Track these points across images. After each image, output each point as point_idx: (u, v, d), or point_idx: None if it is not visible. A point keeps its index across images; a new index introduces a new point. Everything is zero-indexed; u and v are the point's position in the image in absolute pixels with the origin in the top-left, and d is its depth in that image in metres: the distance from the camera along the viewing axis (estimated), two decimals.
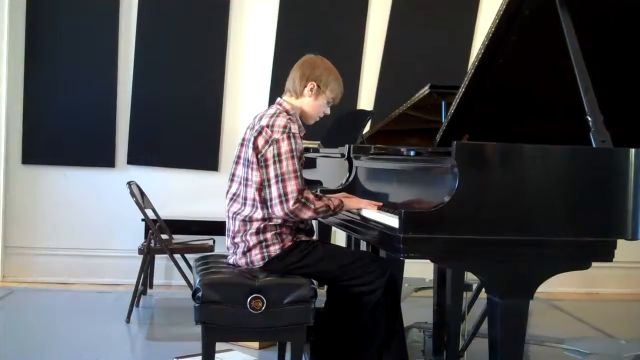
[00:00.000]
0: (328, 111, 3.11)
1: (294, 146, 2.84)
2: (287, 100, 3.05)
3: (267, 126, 2.88)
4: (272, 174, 2.82)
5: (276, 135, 2.84)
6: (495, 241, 2.28)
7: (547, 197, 2.33)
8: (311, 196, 2.83)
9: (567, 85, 2.56)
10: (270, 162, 2.83)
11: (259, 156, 2.86)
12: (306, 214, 2.81)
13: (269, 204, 2.84)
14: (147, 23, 5.59)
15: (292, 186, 2.79)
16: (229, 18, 5.68)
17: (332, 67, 3.07)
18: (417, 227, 2.27)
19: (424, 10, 5.76)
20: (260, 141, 2.87)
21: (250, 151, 2.91)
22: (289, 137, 2.84)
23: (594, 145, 2.42)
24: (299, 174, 2.82)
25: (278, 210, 2.80)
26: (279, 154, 2.82)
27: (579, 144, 2.41)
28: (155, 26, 5.61)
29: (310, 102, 3.03)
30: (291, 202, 2.78)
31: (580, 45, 2.54)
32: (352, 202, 2.94)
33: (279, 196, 2.79)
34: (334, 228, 4.31)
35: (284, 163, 2.81)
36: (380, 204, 2.86)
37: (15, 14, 5.44)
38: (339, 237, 5.10)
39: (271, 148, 2.83)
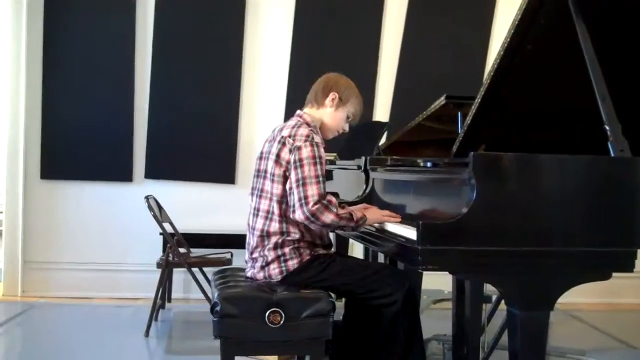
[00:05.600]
0: (347, 128, 3.13)
1: (316, 153, 2.83)
2: (307, 112, 3.07)
3: (290, 136, 2.88)
4: (293, 179, 2.81)
5: (298, 143, 2.84)
6: (514, 252, 2.27)
7: (566, 207, 2.31)
8: (335, 200, 2.82)
9: (584, 94, 2.55)
10: (292, 168, 2.82)
11: (283, 166, 2.86)
12: (328, 217, 2.76)
13: (290, 210, 2.83)
14: (163, 37, 5.62)
15: (312, 190, 2.77)
16: (244, 31, 5.70)
17: (354, 86, 3.11)
18: (435, 238, 2.26)
19: (439, 20, 5.76)
20: (285, 152, 2.87)
21: (271, 163, 2.91)
22: (311, 145, 2.84)
23: (613, 155, 2.40)
24: (321, 179, 2.81)
25: (299, 215, 2.78)
26: (300, 159, 2.82)
27: (597, 153, 2.39)
28: (171, 40, 5.64)
29: (331, 113, 3.04)
30: (311, 204, 2.75)
31: (597, 53, 2.53)
32: (374, 215, 2.90)
33: (299, 199, 2.77)
34: (351, 240, 4.31)
35: (305, 168, 2.80)
36: (400, 218, 2.83)
37: (32, 29, 5.49)
38: (357, 250, 5.08)
39: (293, 155, 2.83)
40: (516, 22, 2.60)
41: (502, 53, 2.66)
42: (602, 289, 5.36)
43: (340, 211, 2.81)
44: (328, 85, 3.06)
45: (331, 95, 3.03)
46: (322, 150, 2.88)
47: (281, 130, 2.97)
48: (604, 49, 2.54)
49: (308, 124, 2.97)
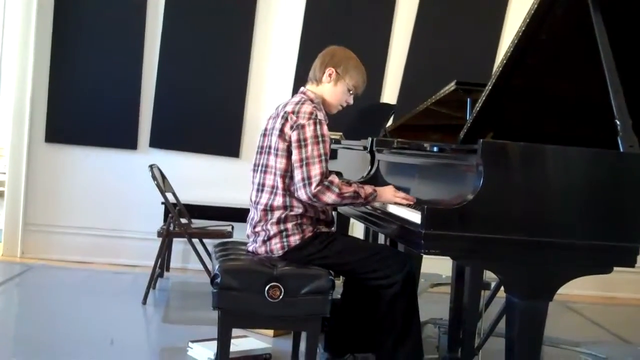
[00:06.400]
0: (351, 100, 3.10)
1: (319, 132, 2.83)
2: (309, 89, 3.06)
3: (293, 112, 2.88)
4: (296, 158, 2.82)
5: (301, 121, 2.84)
6: (517, 241, 2.28)
7: (572, 199, 2.32)
8: (337, 180, 2.81)
9: (595, 88, 2.54)
10: (295, 146, 2.83)
11: (287, 141, 2.86)
12: (330, 198, 2.77)
13: (293, 188, 2.84)
14: (174, 7, 5.60)
15: (315, 170, 2.78)
16: (256, 6, 5.68)
17: (353, 56, 3.07)
18: (439, 223, 2.27)
19: (452, 5, 5.73)
20: (287, 127, 2.87)
21: (275, 138, 2.90)
22: (315, 123, 2.84)
23: (622, 149, 2.39)
24: (323, 158, 2.81)
25: (302, 194, 2.79)
26: (304, 139, 2.82)
27: (605, 147, 2.39)
28: (182, 11, 5.62)
29: (330, 88, 3.03)
30: (314, 185, 2.76)
31: (612, 47, 2.52)
32: (387, 194, 2.87)
33: (302, 179, 2.78)
34: (352, 220, 4.32)
35: (309, 147, 2.80)
36: (414, 200, 2.83)
37: None
38: (357, 230, 5.10)
39: (296, 133, 2.83)
40: (532, 12, 2.58)
41: (515, 42, 2.64)
42: (599, 282, 5.42)
43: (344, 189, 2.80)
44: (324, 61, 3.04)
45: (327, 71, 3.02)
46: (325, 128, 2.88)
47: (285, 106, 2.97)
48: (619, 43, 2.52)
49: (312, 101, 2.97)
